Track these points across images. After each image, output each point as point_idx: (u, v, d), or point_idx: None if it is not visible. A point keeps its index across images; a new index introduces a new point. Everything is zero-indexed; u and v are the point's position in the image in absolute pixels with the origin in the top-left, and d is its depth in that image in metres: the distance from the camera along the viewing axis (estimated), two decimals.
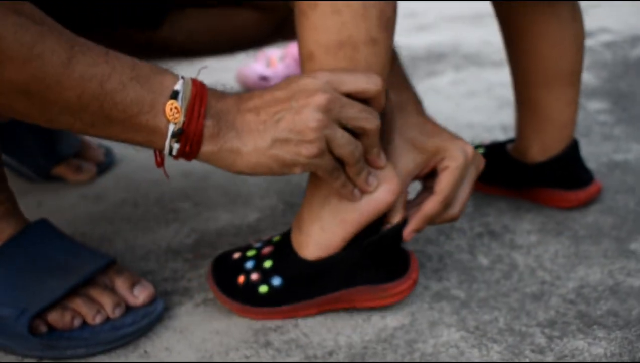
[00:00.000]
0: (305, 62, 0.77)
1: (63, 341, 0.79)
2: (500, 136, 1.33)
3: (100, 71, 0.66)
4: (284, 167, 0.72)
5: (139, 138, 0.70)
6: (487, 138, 1.33)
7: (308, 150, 0.71)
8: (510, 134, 1.33)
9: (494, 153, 1.12)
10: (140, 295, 0.83)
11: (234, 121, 0.71)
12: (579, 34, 1.02)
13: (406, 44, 2.01)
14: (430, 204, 0.82)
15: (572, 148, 1.05)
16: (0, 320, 0.79)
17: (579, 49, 1.02)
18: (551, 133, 1.04)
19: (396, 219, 0.81)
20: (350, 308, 0.85)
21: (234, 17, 1.09)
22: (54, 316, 0.80)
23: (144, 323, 0.81)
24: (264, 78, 1.63)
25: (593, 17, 2.16)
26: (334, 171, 0.74)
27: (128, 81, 0.67)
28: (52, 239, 0.85)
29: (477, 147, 1.15)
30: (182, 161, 0.73)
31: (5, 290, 0.80)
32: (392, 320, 0.83)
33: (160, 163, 0.73)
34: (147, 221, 1.09)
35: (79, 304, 0.81)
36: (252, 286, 0.83)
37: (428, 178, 0.86)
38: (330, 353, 0.78)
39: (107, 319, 0.81)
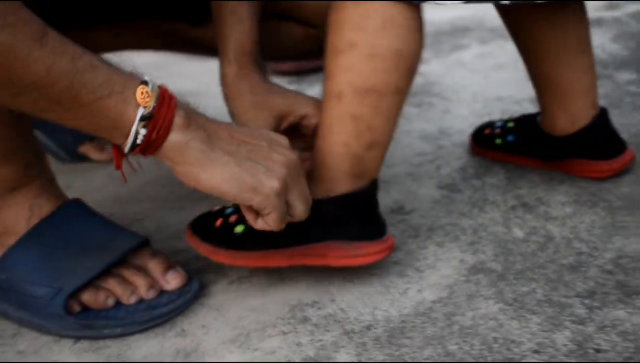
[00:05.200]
0: (331, 99, 0.78)
1: (100, 320, 0.79)
2: (530, 109, 1.31)
3: (72, 50, 0.64)
4: (243, 191, 0.71)
5: (104, 123, 0.66)
6: (517, 110, 1.31)
7: (272, 182, 0.71)
8: None
9: (524, 126, 1.11)
10: (172, 281, 0.83)
11: (206, 124, 0.70)
12: (580, 8, 1.00)
13: (429, 18, 1.97)
14: None
15: (601, 117, 1.03)
16: (36, 300, 0.79)
17: (581, 20, 1.00)
18: (574, 103, 1.02)
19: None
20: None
21: (277, 29, 1.08)
22: (87, 296, 0.80)
23: (179, 302, 0.81)
24: None
25: None
26: (283, 218, 0.74)
27: (99, 63, 0.65)
28: (86, 218, 0.85)
29: (507, 121, 1.14)
30: None
31: (40, 269, 0.80)
32: (429, 293, 0.82)
33: (118, 164, 0.69)
34: (175, 200, 1.09)
35: (113, 284, 0.81)
36: (229, 226, 0.83)
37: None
38: (368, 328, 0.77)
39: (142, 299, 0.81)
